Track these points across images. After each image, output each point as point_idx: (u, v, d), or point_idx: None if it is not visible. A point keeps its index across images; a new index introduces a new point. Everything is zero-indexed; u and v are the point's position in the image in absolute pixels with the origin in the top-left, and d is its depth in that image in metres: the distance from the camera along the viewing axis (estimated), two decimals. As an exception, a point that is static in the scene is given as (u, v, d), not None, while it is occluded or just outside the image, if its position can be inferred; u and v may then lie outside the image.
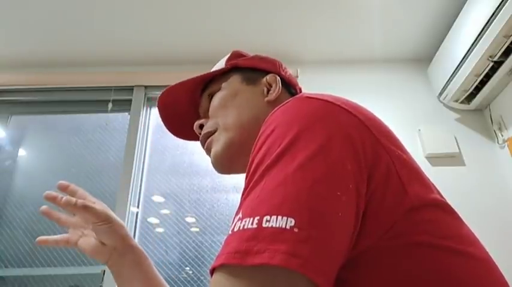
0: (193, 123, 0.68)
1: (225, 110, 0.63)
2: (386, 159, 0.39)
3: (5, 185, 1.82)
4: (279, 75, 0.67)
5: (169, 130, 0.74)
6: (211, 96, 0.67)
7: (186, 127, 0.71)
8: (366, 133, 0.40)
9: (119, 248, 0.67)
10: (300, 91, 0.72)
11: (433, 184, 0.44)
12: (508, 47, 1.49)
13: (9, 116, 1.97)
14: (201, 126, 0.66)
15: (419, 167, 0.43)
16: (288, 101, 0.44)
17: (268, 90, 0.64)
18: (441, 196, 0.43)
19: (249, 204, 0.36)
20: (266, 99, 0.63)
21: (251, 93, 0.64)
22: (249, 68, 0.68)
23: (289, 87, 0.69)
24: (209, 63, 1.35)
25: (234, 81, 0.66)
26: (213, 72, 0.68)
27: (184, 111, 0.71)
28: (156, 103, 0.70)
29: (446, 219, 0.40)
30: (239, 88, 0.65)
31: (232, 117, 0.61)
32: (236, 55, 0.71)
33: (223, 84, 0.66)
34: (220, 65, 0.70)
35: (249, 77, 0.66)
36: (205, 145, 0.65)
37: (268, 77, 0.66)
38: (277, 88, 0.64)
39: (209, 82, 0.69)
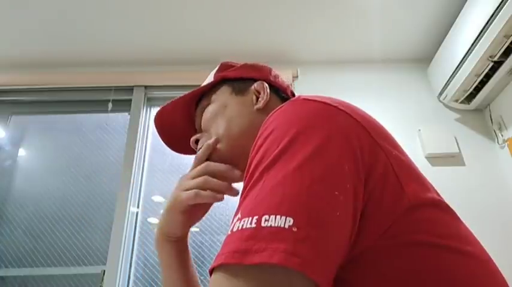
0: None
1: (216, 123, 0.63)
2: (384, 159, 0.39)
3: (5, 185, 1.82)
4: (267, 82, 0.66)
5: (170, 148, 0.73)
6: (203, 110, 0.67)
7: (186, 143, 0.70)
8: (363, 134, 0.40)
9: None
10: (293, 94, 0.71)
11: (430, 184, 0.44)
12: (508, 47, 1.48)
13: (9, 116, 1.97)
14: (197, 141, 0.66)
15: (416, 168, 0.43)
16: (285, 103, 0.45)
17: (258, 98, 0.64)
18: (439, 196, 0.43)
19: (247, 204, 0.36)
20: (255, 107, 0.63)
21: (241, 103, 0.64)
22: (237, 79, 0.68)
23: (279, 92, 0.68)
24: (209, 63, 1.35)
25: (224, 94, 0.66)
26: (203, 87, 0.68)
27: (181, 128, 0.71)
28: (154, 124, 0.71)
29: (444, 218, 0.40)
30: (228, 100, 0.65)
31: (223, 129, 0.62)
32: (224, 67, 0.71)
33: (213, 97, 0.67)
34: (210, 78, 0.70)
35: (238, 88, 0.66)
36: None
37: (256, 84, 0.65)
38: (265, 95, 0.64)
39: (201, 97, 0.69)
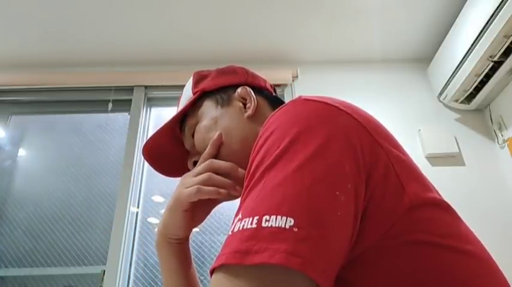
0: (185, 161, 0.66)
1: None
2: (385, 159, 0.39)
3: (5, 185, 1.82)
4: (248, 84, 0.65)
5: (164, 174, 0.70)
6: (192, 130, 0.65)
7: (180, 165, 0.68)
8: (364, 134, 0.40)
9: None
10: (273, 89, 0.70)
11: (431, 184, 0.44)
12: (508, 47, 1.49)
13: (9, 116, 1.97)
14: (195, 163, 0.63)
15: (417, 167, 0.43)
16: (286, 103, 0.45)
17: (245, 105, 0.63)
18: (440, 195, 0.43)
19: (248, 204, 0.36)
20: (246, 115, 0.61)
21: (230, 114, 0.62)
22: (217, 89, 0.65)
23: (262, 91, 0.66)
24: (209, 63, 1.35)
25: (209, 108, 0.64)
26: (185, 107, 0.65)
27: (171, 152, 0.68)
28: (142, 155, 0.67)
29: (445, 218, 0.40)
30: (216, 114, 0.62)
31: (221, 147, 0.59)
32: (200, 77, 0.68)
33: (199, 114, 0.64)
34: (188, 92, 0.67)
35: (221, 99, 0.64)
36: None
37: (239, 90, 0.63)
38: (252, 100, 0.62)
39: (185, 116, 0.67)
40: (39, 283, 1.60)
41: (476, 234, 0.43)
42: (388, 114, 1.74)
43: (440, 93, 1.85)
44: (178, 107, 0.69)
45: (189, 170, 0.63)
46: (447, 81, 1.77)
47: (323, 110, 0.41)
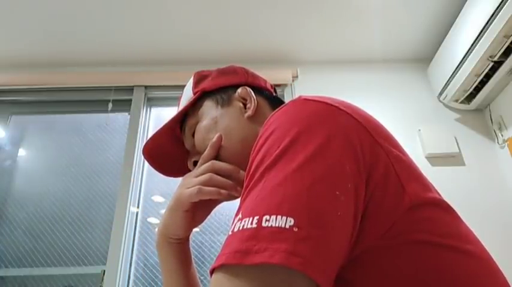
0: (186, 161, 0.66)
1: (211, 141, 0.61)
2: (385, 159, 0.39)
3: (5, 185, 1.82)
4: (248, 85, 0.65)
5: (164, 174, 0.70)
6: (192, 130, 0.65)
7: (180, 166, 0.68)
8: (364, 134, 0.40)
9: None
10: (273, 89, 0.71)
11: (431, 184, 0.44)
12: (508, 47, 1.49)
13: (9, 116, 1.97)
14: (195, 163, 0.63)
15: (417, 167, 0.44)
16: (286, 103, 0.45)
17: (245, 105, 0.63)
18: (440, 195, 0.43)
19: (248, 204, 0.36)
20: (246, 115, 0.61)
21: (230, 115, 0.62)
22: (217, 89, 0.65)
23: (262, 91, 0.66)
24: (209, 63, 1.35)
25: (209, 108, 0.64)
26: (185, 107, 0.65)
27: (171, 151, 0.68)
28: (143, 155, 0.67)
29: (445, 218, 0.40)
30: (216, 114, 0.62)
31: (221, 148, 0.59)
32: (200, 77, 0.68)
33: (200, 114, 0.64)
34: (188, 92, 0.67)
35: (221, 99, 0.64)
36: None
37: (239, 90, 0.64)
38: (252, 101, 0.62)
39: (185, 115, 0.67)
40: (39, 283, 1.60)
41: (476, 234, 0.43)
42: (388, 114, 1.74)
43: (440, 93, 1.85)
44: (178, 107, 0.69)
45: (189, 170, 0.63)
46: (447, 81, 1.77)
47: (323, 110, 0.41)
